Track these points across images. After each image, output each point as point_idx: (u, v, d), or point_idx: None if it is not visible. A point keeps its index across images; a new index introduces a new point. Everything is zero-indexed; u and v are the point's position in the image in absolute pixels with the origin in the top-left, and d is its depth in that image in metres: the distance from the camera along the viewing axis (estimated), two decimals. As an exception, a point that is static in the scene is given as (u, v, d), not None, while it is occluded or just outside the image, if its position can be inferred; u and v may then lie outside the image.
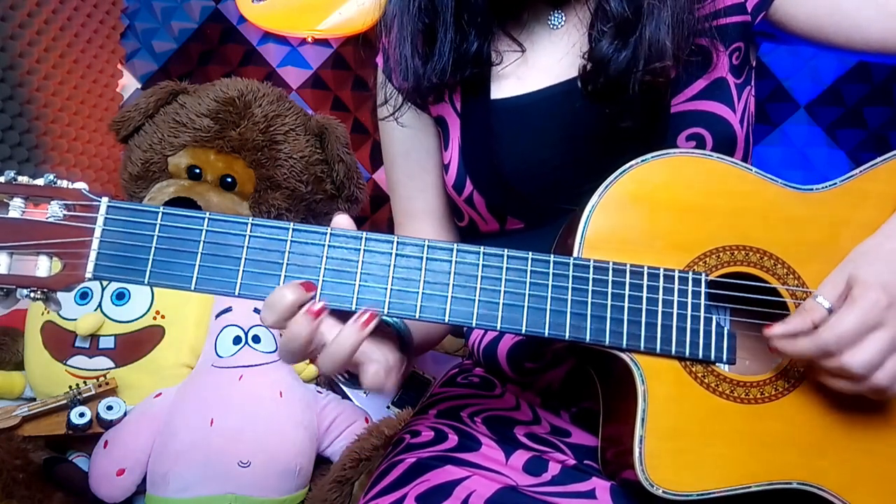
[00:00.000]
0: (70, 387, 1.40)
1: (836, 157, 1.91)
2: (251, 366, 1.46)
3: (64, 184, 0.67)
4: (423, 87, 0.89)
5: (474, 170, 0.91)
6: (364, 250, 0.69)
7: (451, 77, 0.87)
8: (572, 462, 0.86)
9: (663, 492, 0.71)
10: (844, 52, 0.88)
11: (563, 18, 0.90)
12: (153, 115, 1.74)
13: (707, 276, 0.75)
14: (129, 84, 2.15)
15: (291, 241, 0.68)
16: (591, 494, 0.80)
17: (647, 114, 0.84)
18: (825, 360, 0.70)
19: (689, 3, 0.82)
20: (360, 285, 0.68)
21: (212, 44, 2.10)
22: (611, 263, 0.73)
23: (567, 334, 0.71)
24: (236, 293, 0.67)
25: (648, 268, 0.73)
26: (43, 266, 0.66)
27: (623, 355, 0.73)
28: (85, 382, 1.41)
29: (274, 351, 1.50)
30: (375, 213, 2.15)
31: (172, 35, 2.10)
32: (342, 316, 0.68)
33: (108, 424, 1.39)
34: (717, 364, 0.75)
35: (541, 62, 0.90)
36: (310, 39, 1.96)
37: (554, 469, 0.84)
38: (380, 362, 0.70)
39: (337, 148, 1.75)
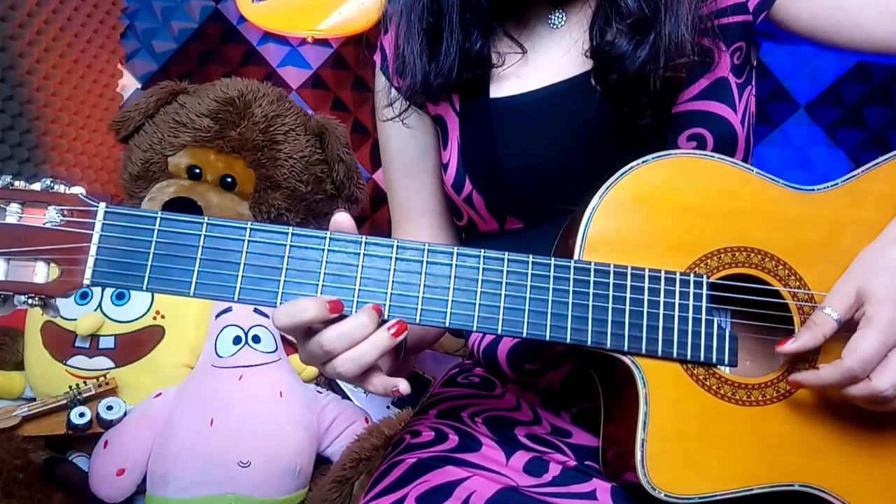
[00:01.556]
0: (70, 387, 1.40)
1: (836, 157, 1.90)
2: (251, 366, 1.46)
3: (61, 188, 0.67)
4: (428, 86, 0.89)
5: (473, 169, 0.91)
6: (364, 254, 0.69)
7: (457, 77, 0.87)
8: (573, 463, 0.86)
9: (665, 495, 0.71)
10: (846, 52, 0.87)
11: (564, 18, 0.90)
12: (153, 115, 1.74)
13: (708, 278, 0.75)
14: (129, 84, 2.15)
15: (291, 245, 0.68)
16: (591, 495, 0.80)
17: (662, 111, 0.84)
18: (853, 386, 0.70)
19: (698, 0, 0.82)
20: (359, 289, 0.68)
21: (212, 44, 2.09)
22: (612, 266, 0.73)
23: (568, 338, 0.71)
24: (235, 298, 0.67)
25: (649, 270, 0.73)
26: (40, 272, 0.65)
27: (624, 358, 0.73)
28: (85, 382, 1.41)
29: (274, 351, 1.50)
30: (375, 213, 2.15)
31: (172, 35, 2.09)
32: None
33: (108, 424, 1.39)
34: (718, 366, 0.74)
35: (541, 61, 0.90)
36: (310, 39, 1.96)
37: (554, 470, 0.84)
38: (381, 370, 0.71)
39: (337, 148, 1.75)
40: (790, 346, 0.73)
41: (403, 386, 0.70)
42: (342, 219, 0.70)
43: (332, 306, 0.67)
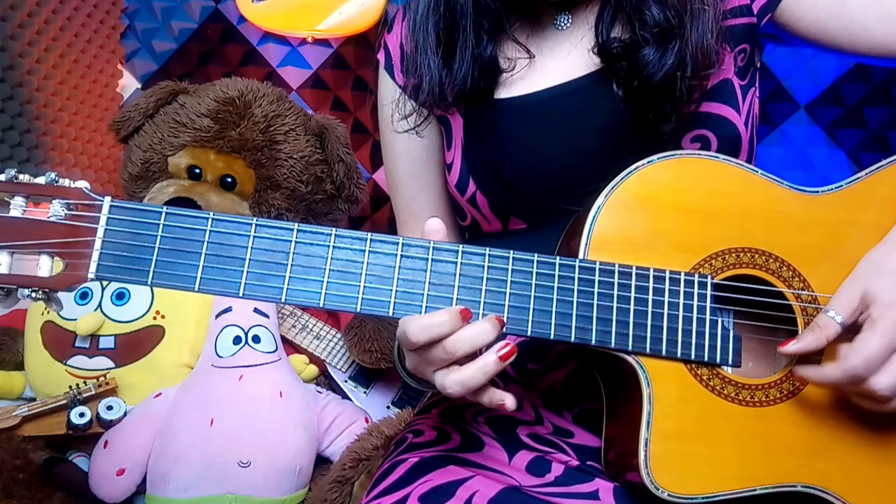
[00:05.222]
0: (70, 387, 1.39)
1: (836, 158, 1.91)
2: (251, 366, 1.46)
3: (66, 183, 0.66)
4: (443, 97, 0.88)
5: (477, 170, 0.91)
6: (369, 251, 0.69)
7: (471, 85, 0.87)
8: (575, 463, 0.86)
9: (668, 494, 0.71)
10: (848, 55, 0.88)
11: (570, 20, 0.90)
12: (153, 115, 1.73)
13: (712, 278, 0.75)
14: (129, 84, 2.14)
15: (296, 241, 0.68)
16: (594, 495, 0.80)
17: (680, 115, 0.84)
18: (853, 385, 0.70)
19: (719, 4, 0.82)
20: (364, 286, 0.68)
21: (212, 44, 2.09)
22: (616, 266, 0.73)
23: (573, 336, 0.71)
24: (240, 294, 0.66)
25: (654, 270, 0.73)
26: (44, 266, 0.65)
27: (628, 358, 0.73)
28: (85, 382, 1.41)
29: (274, 351, 1.50)
30: (375, 213, 2.15)
31: (172, 35, 2.09)
32: None
33: (108, 424, 1.39)
34: (721, 366, 0.74)
35: (548, 63, 0.90)
36: (310, 39, 1.95)
37: (557, 470, 0.84)
38: None
39: (337, 148, 1.74)
40: (792, 346, 0.73)
41: (510, 402, 0.70)
42: (436, 226, 0.71)
43: (464, 314, 0.67)
